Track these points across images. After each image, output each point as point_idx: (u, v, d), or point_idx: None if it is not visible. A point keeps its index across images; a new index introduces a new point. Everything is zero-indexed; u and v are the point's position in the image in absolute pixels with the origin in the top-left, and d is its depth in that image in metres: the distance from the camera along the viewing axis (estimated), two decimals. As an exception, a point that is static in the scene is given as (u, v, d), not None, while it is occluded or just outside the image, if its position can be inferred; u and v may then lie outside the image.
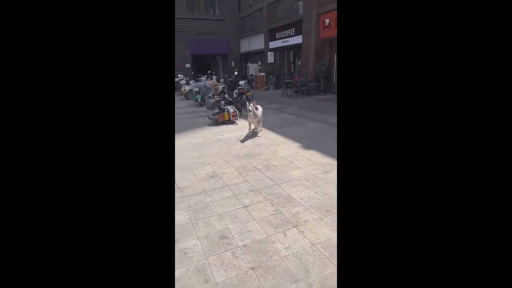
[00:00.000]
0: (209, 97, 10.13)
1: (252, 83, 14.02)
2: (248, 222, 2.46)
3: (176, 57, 15.52)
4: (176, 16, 15.06)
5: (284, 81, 11.86)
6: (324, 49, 10.68)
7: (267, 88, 13.82)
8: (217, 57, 18.22)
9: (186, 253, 2.09)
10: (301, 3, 11.12)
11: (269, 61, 13.82)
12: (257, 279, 1.81)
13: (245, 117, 7.01)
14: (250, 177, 3.45)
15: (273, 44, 13.67)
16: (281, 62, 14.11)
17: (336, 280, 1.77)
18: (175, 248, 2.16)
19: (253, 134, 5.48)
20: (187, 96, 11.17)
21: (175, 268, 1.94)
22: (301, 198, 2.86)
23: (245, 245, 2.16)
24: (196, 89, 10.00)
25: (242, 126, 6.30)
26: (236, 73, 10.29)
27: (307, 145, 4.63)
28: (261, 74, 14.20)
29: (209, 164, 3.98)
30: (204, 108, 8.86)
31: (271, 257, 2.01)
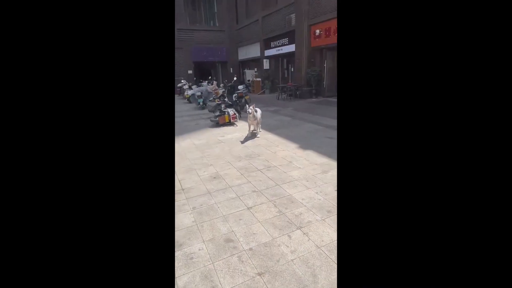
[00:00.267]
0: (210, 100, 9.91)
1: (249, 88, 13.77)
2: (252, 224, 2.24)
3: (179, 64, 15.24)
4: (179, 28, 14.79)
5: (279, 85, 11.68)
6: (315, 57, 10.48)
7: (263, 92, 13.61)
8: (217, 64, 17.93)
9: (192, 258, 1.87)
10: (293, 15, 10.91)
11: (264, 68, 13.61)
12: (265, 286, 1.59)
13: (244, 118, 6.79)
14: (252, 178, 3.23)
15: (268, 52, 13.44)
16: (276, 69, 13.90)
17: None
18: (181, 253, 1.93)
19: (252, 135, 5.25)
20: (189, 100, 10.90)
21: (181, 274, 1.71)
22: (302, 199, 2.64)
23: (250, 249, 1.94)
24: (198, 93, 9.74)
25: (241, 128, 6.07)
26: (235, 78, 10.04)
27: (304, 146, 4.42)
28: (258, 79, 13.96)
29: (212, 165, 3.74)
30: (206, 111, 8.62)
31: (278, 261, 1.80)
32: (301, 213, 2.38)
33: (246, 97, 8.44)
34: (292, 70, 12.28)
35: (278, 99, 10.87)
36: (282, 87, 11.00)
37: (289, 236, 2.07)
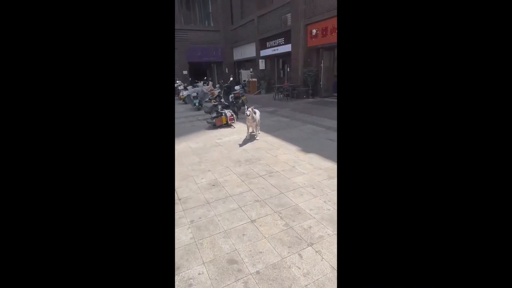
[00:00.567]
0: (206, 101, 9.60)
1: (245, 88, 13.49)
2: (258, 241, 1.98)
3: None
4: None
5: (275, 85, 11.41)
6: (311, 57, 10.25)
7: (259, 92, 13.31)
8: (212, 64, 17.57)
9: (191, 285, 1.59)
10: (289, 15, 10.64)
11: (260, 68, 13.32)
12: (277, 321, 1.33)
13: (241, 120, 6.52)
14: (254, 185, 2.96)
15: (264, 52, 13.16)
16: (271, 69, 13.64)
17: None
18: (178, 278, 1.65)
19: (251, 137, 4.98)
20: (185, 100, 10.56)
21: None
22: (310, 209, 2.39)
23: (257, 272, 1.67)
24: (194, 94, 9.42)
25: (239, 129, 5.80)
26: (231, 78, 9.75)
27: (305, 149, 4.18)
28: (253, 79, 13.66)
29: (210, 170, 3.46)
30: (202, 112, 8.31)
31: (290, 288, 1.54)
32: (310, 226, 2.13)
33: (243, 98, 8.16)
34: (288, 70, 12.05)
35: (274, 99, 10.62)
36: (278, 87, 10.74)
37: (299, 255, 1.81)
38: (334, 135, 4.88)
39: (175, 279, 1.64)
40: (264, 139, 4.85)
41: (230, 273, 1.68)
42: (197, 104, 9.18)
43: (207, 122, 6.27)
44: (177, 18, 14.80)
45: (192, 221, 2.29)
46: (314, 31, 9.55)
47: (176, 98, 12.27)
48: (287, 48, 11.05)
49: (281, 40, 11.53)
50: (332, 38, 8.85)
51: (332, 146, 4.21)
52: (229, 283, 1.60)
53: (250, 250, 1.88)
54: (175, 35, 14.61)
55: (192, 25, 15.95)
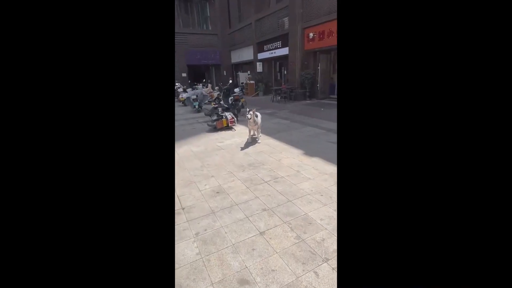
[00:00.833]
0: (205, 103, 9.37)
1: (244, 90, 13.31)
2: (269, 257, 1.78)
3: (173, 67, 14.54)
4: (172, 30, 14.07)
5: (274, 88, 11.22)
6: (308, 60, 10.08)
7: (257, 94, 13.13)
8: (211, 67, 17.32)
9: (199, 312, 1.39)
10: (286, 19, 10.46)
11: (258, 70, 13.14)
12: None
13: (242, 122, 6.32)
14: (259, 192, 2.76)
15: (261, 55, 12.96)
16: (269, 71, 13.47)
17: None
18: (185, 303, 1.44)
19: (252, 140, 4.78)
20: (184, 103, 10.31)
21: None
22: (321, 219, 2.20)
23: (272, 295, 1.47)
24: (194, 97, 9.17)
25: (240, 132, 5.59)
26: (230, 81, 9.52)
27: (308, 152, 3.99)
28: (251, 82, 13.45)
29: (213, 176, 3.25)
30: (201, 114, 8.08)
31: (309, 314, 1.34)
32: (323, 239, 1.94)
33: (242, 100, 7.96)
34: (286, 72, 11.88)
35: (272, 101, 10.44)
36: (276, 90, 10.57)
37: (315, 273, 1.62)
38: (335, 137, 4.71)
39: (182, 303, 1.43)
40: (266, 142, 4.65)
41: (242, 296, 1.48)
42: (196, 107, 8.94)
43: (208, 125, 6.05)
44: (176, 22, 14.55)
45: (197, 234, 2.08)
46: (311, 34, 9.39)
47: (175, 100, 12.02)
48: (285, 51, 10.87)
49: (279, 43, 11.35)
50: (329, 42, 8.70)
51: (335, 149, 4.03)
52: (241, 308, 1.40)
53: (261, 268, 1.68)
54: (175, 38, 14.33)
55: (191, 28, 15.68)
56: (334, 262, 1.70)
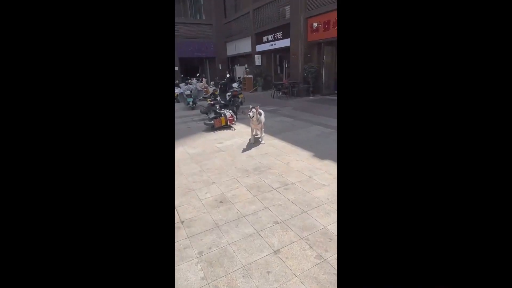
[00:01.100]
0: (200, 99, 9.15)
1: (241, 85, 13.14)
2: (287, 281, 1.61)
3: (164, 60, 14.26)
4: (163, 20, 13.78)
5: (274, 83, 11.04)
6: (312, 52, 9.93)
7: (255, 90, 12.95)
8: (205, 60, 17.05)
9: None
10: (288, 7, 10.28)
11: (256, 64, 12.94)
12: None
13: (241, 120, 6.13)
14: (269, 201, 2.59)
15: (260, 47, 12.77)
16: (268, 65, 13.29)
17: None
18: None
19: (255, 141, 4.60)
20: (177, 99, 10.08)
21: None
22: (343, 234, 2.04)
23: (296, 331, 1.31)
24: (187, 92, 8.95)
25: (240, 131, 5.41)
26: (228, 75, 9.32)
27: (318, 154, 3.83)
28: (249, 76, 13.25)
29: (214, 182, 3.07)
30: (197, 111, 7.87)
31: None
32: (348, 259, 1.78)
33: (241, 96, 7.79)
34: (287, 66, 11.73)
35: (273, 97, 10.27)
36: (276, 85, 10.39)
37: (345, 302, 1.45)
38: (346, 137, 4.56)
39: None
40: (270, 143, 4.49)
41: (259, 333, 1.31)
42: (191, 103, 8.74)
43: (204, 124, 5.85)
44: (167, 11, 14.23)
45: (201, 253, 1.90)
46: (315, 24, 9.23)
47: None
48: (286, 42, 10.70)
49: (279, 34, 11.16)
50: (335, 32, 8.54)
51: (348, 150, 3.89)
52: None
53: (280, 296, 1.51)
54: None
55: (182, 18, 15.39)
56: (365, 288, 1.54)
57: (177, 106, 9.49)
